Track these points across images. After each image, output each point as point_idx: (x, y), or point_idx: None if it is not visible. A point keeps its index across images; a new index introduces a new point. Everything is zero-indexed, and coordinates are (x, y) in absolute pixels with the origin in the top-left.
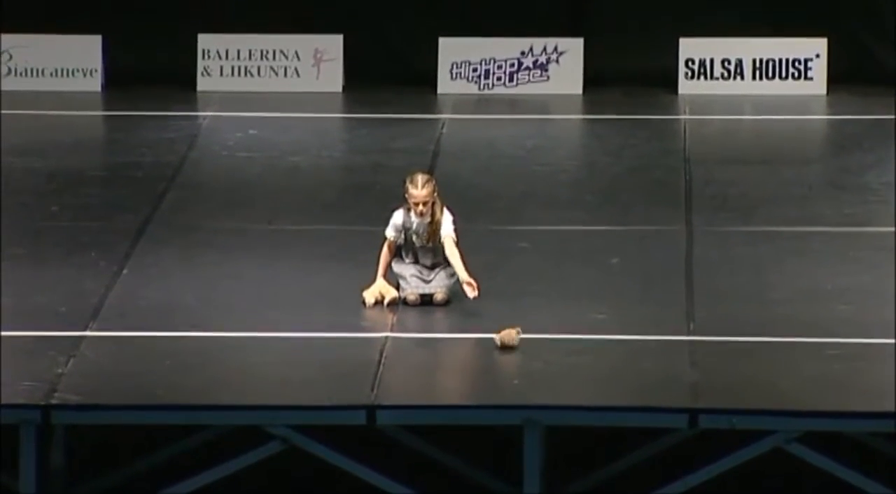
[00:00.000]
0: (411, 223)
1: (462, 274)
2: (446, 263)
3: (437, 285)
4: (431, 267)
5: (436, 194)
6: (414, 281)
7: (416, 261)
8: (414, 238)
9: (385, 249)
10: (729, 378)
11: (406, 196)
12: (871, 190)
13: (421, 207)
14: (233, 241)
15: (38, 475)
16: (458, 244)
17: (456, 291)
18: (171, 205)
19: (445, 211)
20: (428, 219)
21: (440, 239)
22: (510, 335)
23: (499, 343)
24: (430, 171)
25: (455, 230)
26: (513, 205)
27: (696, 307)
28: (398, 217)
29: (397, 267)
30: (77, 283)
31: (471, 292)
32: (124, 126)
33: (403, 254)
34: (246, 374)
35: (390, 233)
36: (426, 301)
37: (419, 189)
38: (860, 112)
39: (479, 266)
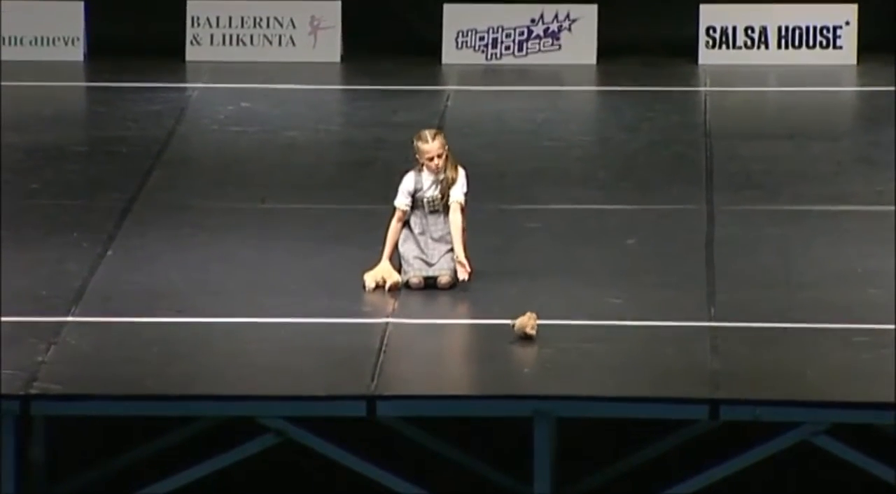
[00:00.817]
0: (422, 184)
1: (458, 250)
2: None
3: (442, 268)
4: (439, 240)
5: (447, 148)
6: (417, 263)
7: (423, 232)
8: (425, 201)
9: (394, 223)
10: (752, 366)
11: (417, 156)
12: None
13: (436, 161)
14: (224, 221)
15: (17, 470)
16: (464, 211)
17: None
18: (157, 183)
19: (459, 169)
20: (441, 176)
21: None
22: (528, 323)
23: (516, 330)
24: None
25: (465, 195)
26: (522, 182)
27: (717, 291)
28: (409, 181)
29: (401, 247)
30: (58, 266)
31: (462, 273)
32: (108, 98)
33: (412, 225)
34: (238, 363)
35: (401, 201)
36: (430, 284)
37: (430, 142)
38: (892, 83)
39: (487, 247)
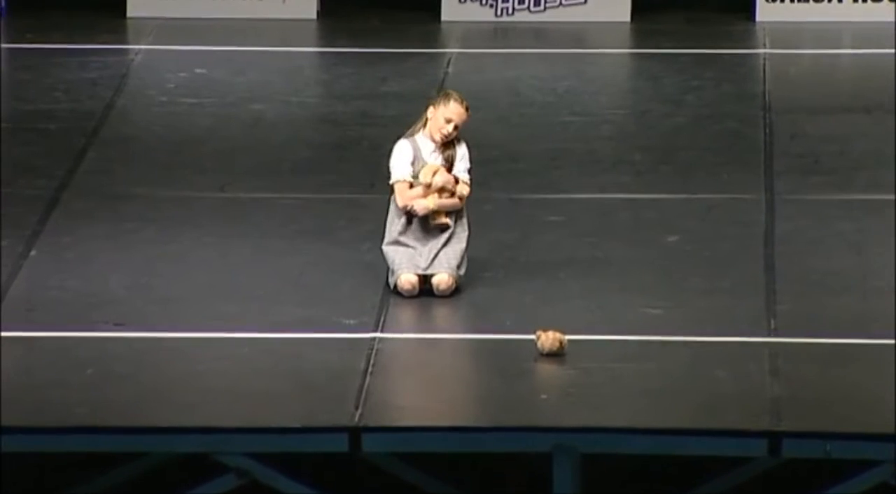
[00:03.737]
0: (421, 152)
1: (437, 201)
2: (453, 228)
3: (440, 267)
4: (441, 230)
5: None
6: (408, 262)
7: (417, 226)
8: (420, 178)
9: (402, 191)
10: (821, 391)
11: (434, 116)
12: None
13: (452, 130)
14: (175, 214)
15: None
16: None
17: (464, 276)
18: (93, 167)
19: (462, 142)
20: (446, 152)
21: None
22: (555, 341)
23: (542, 349)
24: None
25: (469, 171)
26: (540, 166)
27: (778, 299)
28: (406, 148)
29: (388, 246)
30: None
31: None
32: (32, 63)
33: (397, 215)
34: (191, 386)
35: (405, 171)
36: (426, 290)
37: (462, 103)
38: None
39: (497, 245)
